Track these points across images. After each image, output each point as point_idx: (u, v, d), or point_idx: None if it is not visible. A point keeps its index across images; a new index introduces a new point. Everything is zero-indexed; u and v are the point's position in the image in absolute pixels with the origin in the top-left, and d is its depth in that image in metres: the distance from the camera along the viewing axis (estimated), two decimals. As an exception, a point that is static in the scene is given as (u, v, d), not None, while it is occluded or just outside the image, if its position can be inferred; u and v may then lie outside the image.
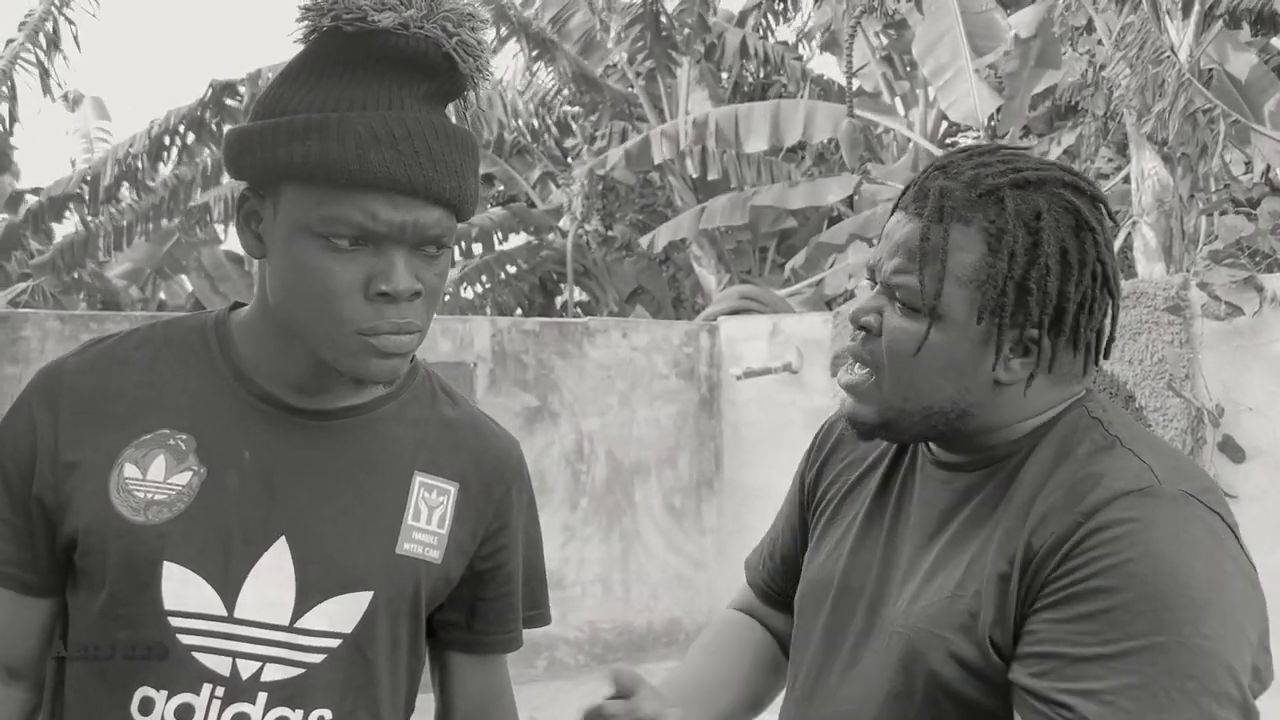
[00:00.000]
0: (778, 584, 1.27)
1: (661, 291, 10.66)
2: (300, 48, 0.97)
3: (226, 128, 7.67)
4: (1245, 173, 4.84)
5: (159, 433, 0.99)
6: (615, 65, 9.70)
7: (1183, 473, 0.93)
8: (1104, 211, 0.98)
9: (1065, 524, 0.90)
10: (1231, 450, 3.18)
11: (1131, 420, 1.00)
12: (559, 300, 11.30)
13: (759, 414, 5.41)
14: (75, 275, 8.53)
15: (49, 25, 6.85)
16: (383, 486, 1.03)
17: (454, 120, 0.99)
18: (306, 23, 0.94)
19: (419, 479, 1.04)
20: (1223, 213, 4.07)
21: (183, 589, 0.95)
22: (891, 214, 1.03)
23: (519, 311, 10.75)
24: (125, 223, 8.03)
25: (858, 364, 1.03)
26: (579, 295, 11.35)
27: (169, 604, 0.95)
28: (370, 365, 0.95)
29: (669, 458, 5.56)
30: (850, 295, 7.61)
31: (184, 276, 11.44)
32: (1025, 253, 0.94)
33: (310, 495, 1.00)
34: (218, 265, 11.18)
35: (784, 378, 5.18)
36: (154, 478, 0.97)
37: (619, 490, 5.40)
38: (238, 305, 1.10)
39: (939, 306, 0.95)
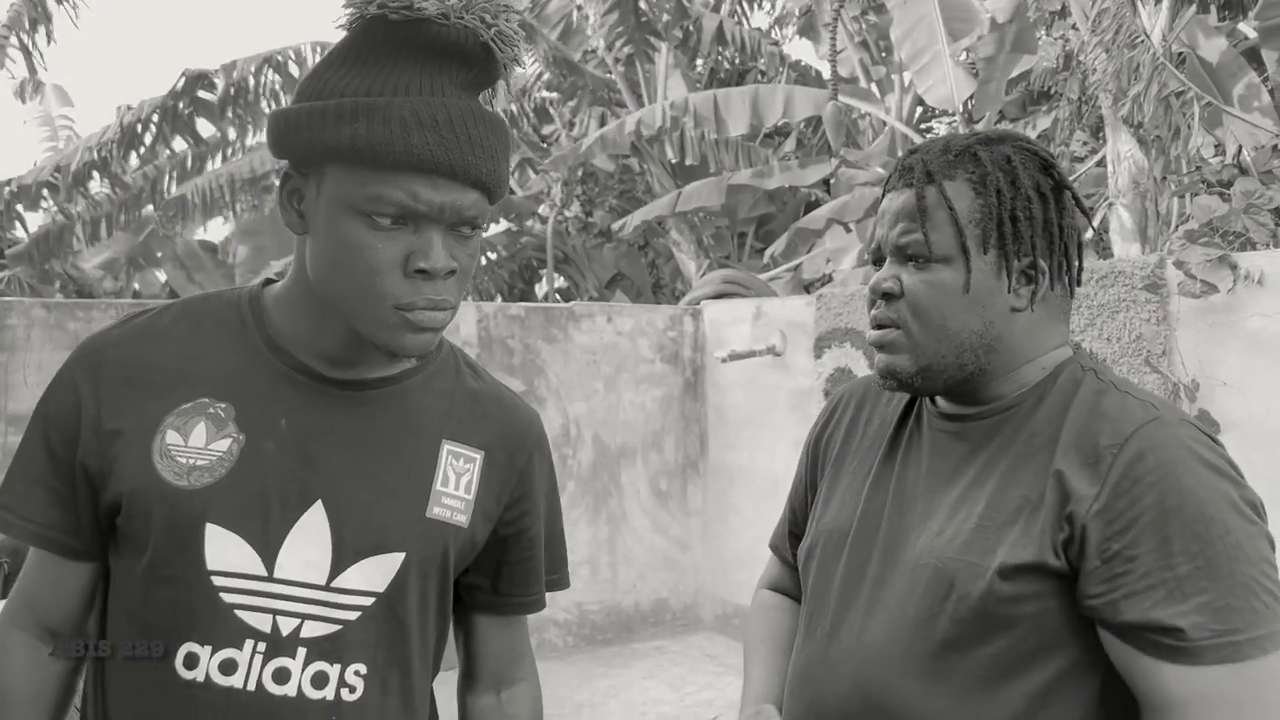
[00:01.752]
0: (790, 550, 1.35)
1: (641, 277, 10.69)
2: (343, 33, 1.00)
3: (197, 122, 7.62)
4: (1215, 155, 4.93)
5: (199, 401, 1.03)
6: (594, 51, 9.70)
7: (1170, 406, 1.06)
8: (1054, 176, 1.13)
9: (1100, 459, 0.99)
10: (1207, 424, 3.25)
11: (1112, 371, 1.13)
12: (539, 287, 11.30)
13: (743, 396, 5.46)
14: (50, 266, 8.44)
15: (35, 6, 6.77)
16: (413, 454, 1.08)
17: (487, 106, 1.03)
18: (352, 9, 0.98)
19: (447, 447, 1.10)
20: (1195, 194, 4.15)
21: (224, 550, 0.99)
22: (883, 197, 1.16)
23: (499, 298, 10.75)
24: (104, 214, 7.96)
25: (885, 325, 1.12)
26: (559, 282, 11.36)
27: (211, 564, 0.99)
28: (405, 339, 0.99)
29: (654, 441, 5.61)
30: (828, 279, 7.67)
31: (158, 269, 11.35)
32: (1008, 188, 1.08)
33: (344, 461, 1.04)
34: (192, 255, 11.11)
35: (768, 360, 5.24)
36: (195, 444, 1.02)
37: (605, 473, 5.45)
38: (269, 281, 1.14)
39: (946, 250, 1.08)
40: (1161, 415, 1.01)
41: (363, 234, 0.95)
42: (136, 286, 11.28)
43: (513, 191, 11.06)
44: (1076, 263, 1.13)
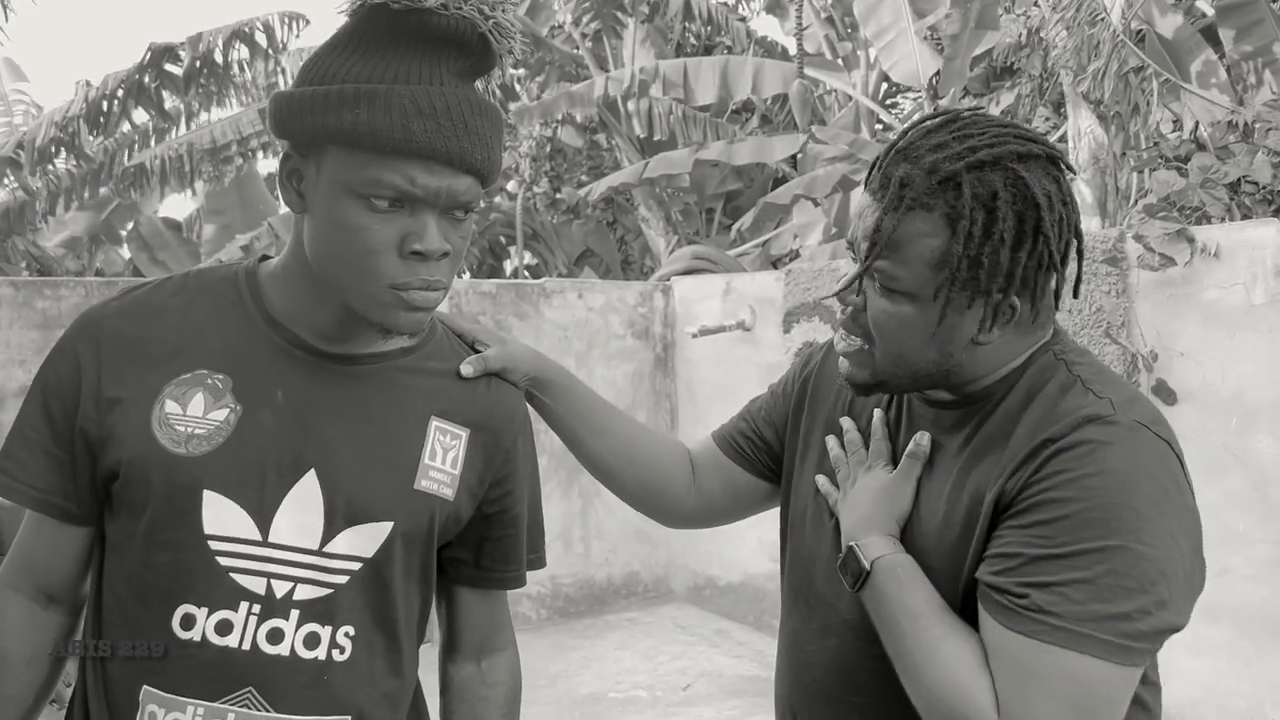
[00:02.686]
0: (739, 439, 1.39)
1: (610, 254, 10.70)
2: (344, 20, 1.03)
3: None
4: (1173, 131, 5.03)
5: (197, 373, 1.07)
6: (561, 26, 9.66)
7: (1136, 405, 1.03)
8: (1061, 167, 1.06)
9: (1034, 456, 1.00)
10: (1164, 393, 3.34)
11: (1094, 359, 1.10)
12: (508, 264, 11.28)
13: (713, 371, 5.52)
14: (12, 243, 8.31)
15: None
16: (402, 428, 1.12)
17: (483, 95, 1.07)
18: None
19: (435, 423, 1.14)
20: (1154, 169, 4.24)
21: (221, 515, 1.03)
22: (863, 189, 1.12)
23: (467, 275, 10.72)
24: (64, 187, 7.84)
25: (851, 332, 1.12)
26: (528, 258, 11.34)
27: (208, 529, 1.03)
28: (399, 317, 1.03)
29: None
30: (796, 255, 7.74)
31: (121, 247, 11.19)
32: (981, 230, 1.01)
33: (337, 432, 1.08)
34: (156, 233, 10.95)
35: (738, 335, 5.29)
36: (194, 413, 1.05)
37: (577, 448, 5.48)
38: (265, 258, 1.17)
39: (912, 287, 1.04)
40: (1108, 415, 0.99)
41: (360, 215, 0.99)
42: (100, 264, 11.13)
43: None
44: (1062, 286, 1.09)
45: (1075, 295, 1.14)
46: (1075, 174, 1.14)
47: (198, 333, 1.09)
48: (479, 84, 1.09)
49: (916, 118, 1.14)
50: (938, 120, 1.08)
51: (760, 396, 1.43)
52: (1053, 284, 1.08)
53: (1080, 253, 1.10)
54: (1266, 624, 3.04)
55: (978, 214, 1.01)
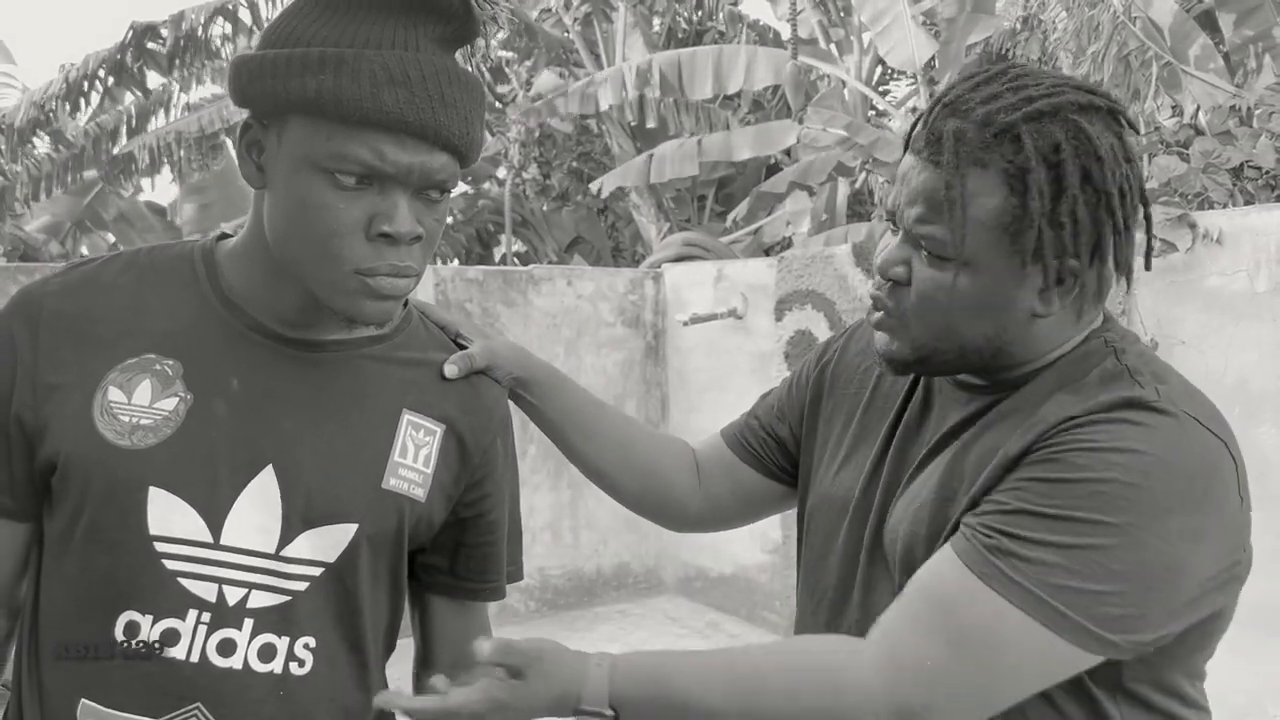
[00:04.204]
0: (749, 437, 1.31)
1: (600, 241, 10.62)
2: None
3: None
4: (1171, 117, 4.96)
5: (144, 357, 0.98)
6: (551, 10, 9.55)
7: (1192, 399, 0.93)
8: (1123, 122, 0.97)
9: (1055, 422, 0.91)
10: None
11: (1147, 351, 1.00)
12: (497, 251, 11.19)
13: (704, 360, 5.45)
14: (-6, 228, 8.21)
15: None
16: (370, 421, 1.03)
17: (463, 66, 0.97)
18: None
19: (407, 417, 1.05)
20: (1154, 154, 4.17)
21: (168, 515, 0.94)
22: (903, 154, 1.01)
23: (456, 262, 10.64)
24: (45, 173, 7.73)
25: (883, 312, 1.02)
26: (517, 245, 11.26)
27: (154, 529, 0.94)
28: (364, 306, 0.94)
29: (616, 404, 5.56)
30: (788, 242, 7.67)
31: (105, 232, 11.09)
32: (1050, 187, 0.91)
33: (297, 425, 0.99)
34: (140, 217, 10.86)
35: (729, 323, 5.22)
36: (139, 402, 0.96)
37: (566, 437, 5.42)
38: (224, 236, 1.08)
39: (967, 253, 0.93)
40: (1155, 401, 0.90)
41: (324, 193, 0.90)
42: (84, 249, 11.02)
43: (469, 154, 10.91)
44: (1131, 257, 0.97)
45: (1147, 267, 1.03)
46: (1139, 132, 1.06)
47: (147, 314, 1.00)
48: (459, 55, 0.99)
49: (962, 73, 1.01)
50: (988, 72, 0.98)
51: (773, 391, 1.34)
52: (1120, 251, 0.96)
53: (1149, 218, 1.00)
54: (1268, 617, 2.99)
55: (1039, 169, 0.91)
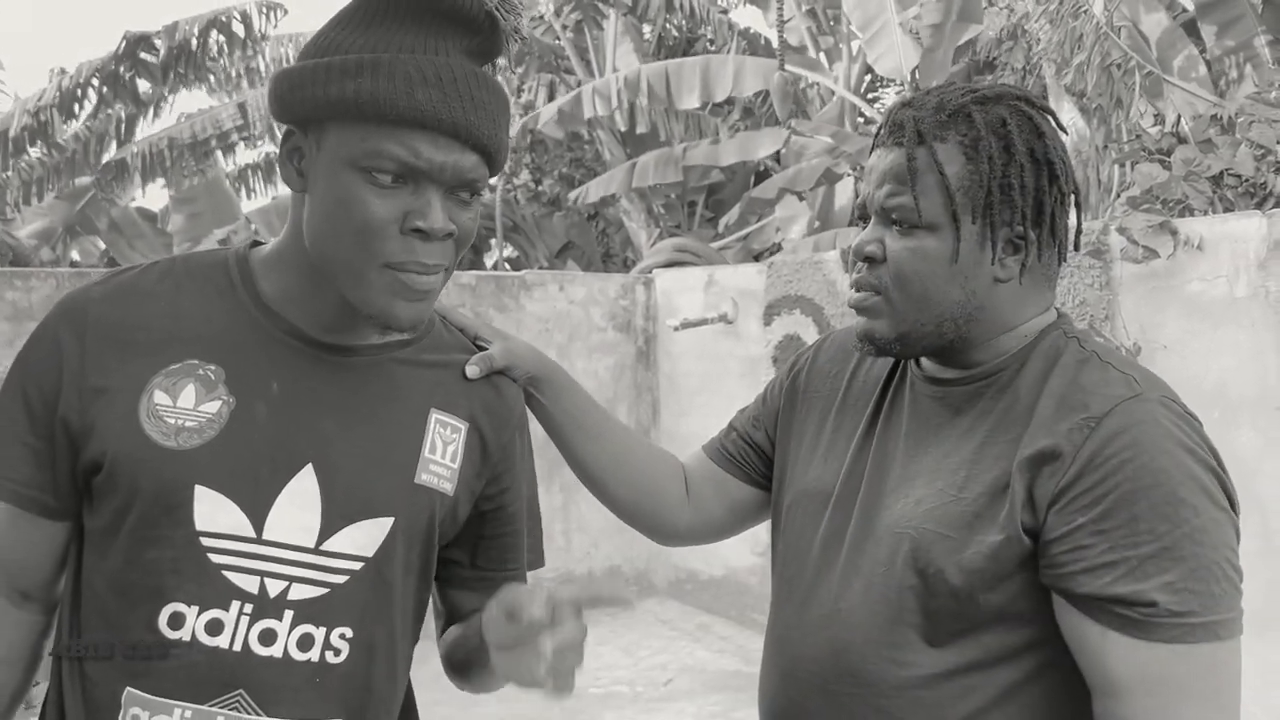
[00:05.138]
0: (729, 447, 1.37)
1: (591, 247, 10.66)
2: None
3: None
4: (1155, 125, 5.03)
5: (187, 363, 1.02)
6: (542, 18, 9.60)
7: (1151, 380, 1.02)
8: (1053, 120, 1.10)
9: (1073, 432, 0.97)
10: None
11: (1096, 338, 1.10)
12: (488, 256, 11.22)
13: (695, 365, 5.49)
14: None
15: None
16: (402, 421, 1.08)
17: (489, 74, 1.03)
18: None
19: (434, 415, 1.10)
20: (1136, 162, 4.23)
21: (213, 511, 0.99)
22: (871, 152, 1.12)
23: (447, 268, 10.64)
24: (35, 177, 7.73)
25: (866, 290, 1.10)
26: (508, 251, 11.29)
27: (200, 525, 0.98)
28: (396, 307, 0.98)
29: (607, 409, 5.62)
30: (778, 248, 7.72)
31: (96, 238, 11.07)
32: (1000, 155, 1.04)
33: (335, 426, 1.04)
34: (130, 223, 10.84)
35: (719, 328, 5.27)
36: (184, 405, 1.01)
37: (558, 442, 5.45)
38: (257, 243, 1.13)
39: (933, 216, 1.05)
40: (1142, 392, 0.99)
41: (361, 190, 0.94)
42: (75, 255, 11.00)
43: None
44: (1070, 229, 1.10)
45: (1076, 248, 1.14)
46: (1066, 133, 1.18)
47: (187, 321, 1.04)
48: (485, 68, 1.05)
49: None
50: (938, 85, 1.13)
51: (748, 406, 1.41)
52: (1064, 221, 1.09)
53: (1079, 205, 1.11)
54: (1248, 617, 3.03)
55: (989, 138, 1.04)
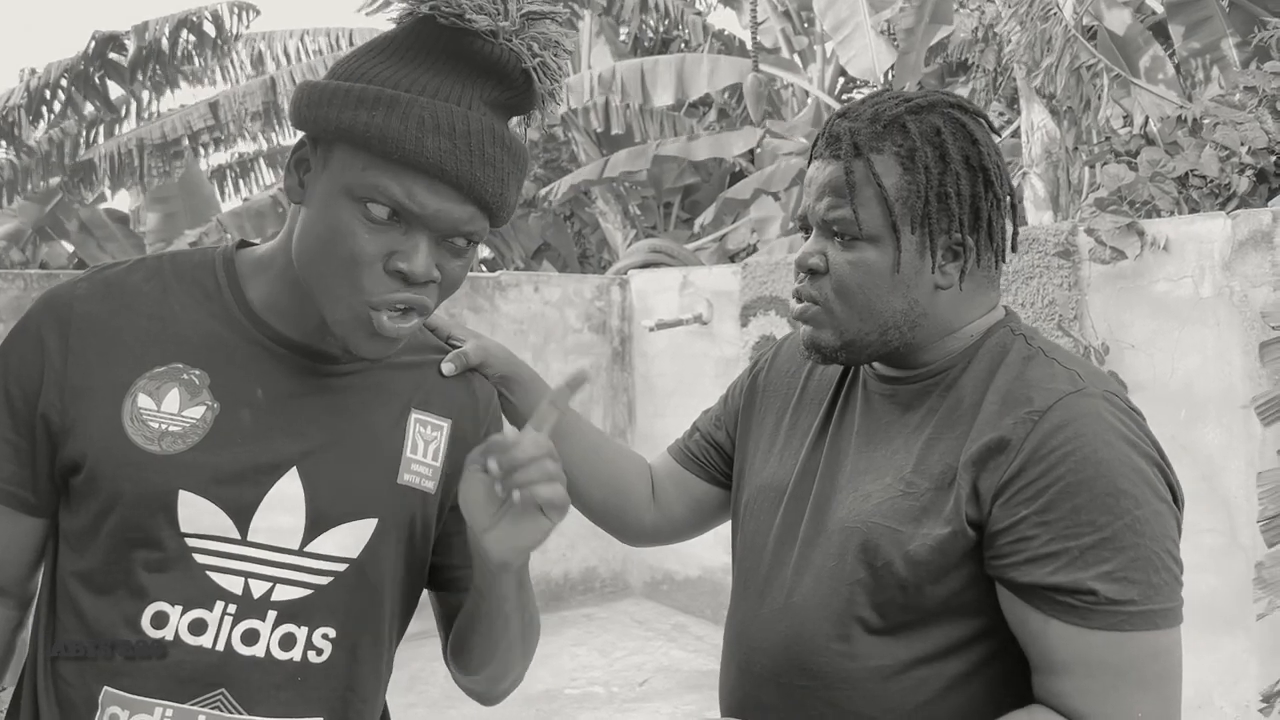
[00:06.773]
0: (692, 448, 1.40)
1: (567, 248, 10.66)
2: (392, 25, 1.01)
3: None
4: (1124, 126, 5.09)
5: (172, 366, 1.02)
6: (516, 18, 9.57)
7: (1096, 376, 1.05)
8: (986, 125, 1.12)
9: (1017, 425, 0.99)
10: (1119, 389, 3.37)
11: (1044, 336, 1.12)
12: (463, 257, 11.17)
13: (670, 365, 5.50)
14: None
15: None
16: (383, 423, 1.09)
17: (513, 132, 1.02)
18: (405, 5, 0.98)
19: (415, 416, 1.11)
20: (1105, 163, 4.28)
21: (197, 514, 0.99)
22: (809, 164, 1.13)
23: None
24: (5, 179, 7.65)
25: (806, 301, 1.11)
26: (485, 252, 11.26)
27: (185, 527, 0.99)
28: (362, 341, 0.99)
29: (583, 410, 5.62)
30: (753, 249, 7.76)
31: (65, 240, 10.96)
32: (936, 164, 1.06)
33: (319, 430, 1.05)
34: (100, 225, 10.74)
35: (695, 329, 5.28)
36: (168, 409, 1.01)
37: (534, 443, 5.44)
38: (244, 244, 1.13)
39: (873, 228, 1.06)
40: (1085, 387, 1.01)
41: (353, 220, 0.95)
42: (44, 257, 10.89)
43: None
44: (1007, 233, 1.12)
45: (1013, 249, 1.15)
46: (1000, 135, 1.21)
47: (172, 323, 1.04)
48: (513, 122, 1.05)
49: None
50: (873, 92, 1.14)
51: (711, 407, 1.43)
52: (1001, 226, 1.10)
53: (1015, 208, 1.12)
54: (1213, 613, 3.08)
55: (925, 148, 1.06)
